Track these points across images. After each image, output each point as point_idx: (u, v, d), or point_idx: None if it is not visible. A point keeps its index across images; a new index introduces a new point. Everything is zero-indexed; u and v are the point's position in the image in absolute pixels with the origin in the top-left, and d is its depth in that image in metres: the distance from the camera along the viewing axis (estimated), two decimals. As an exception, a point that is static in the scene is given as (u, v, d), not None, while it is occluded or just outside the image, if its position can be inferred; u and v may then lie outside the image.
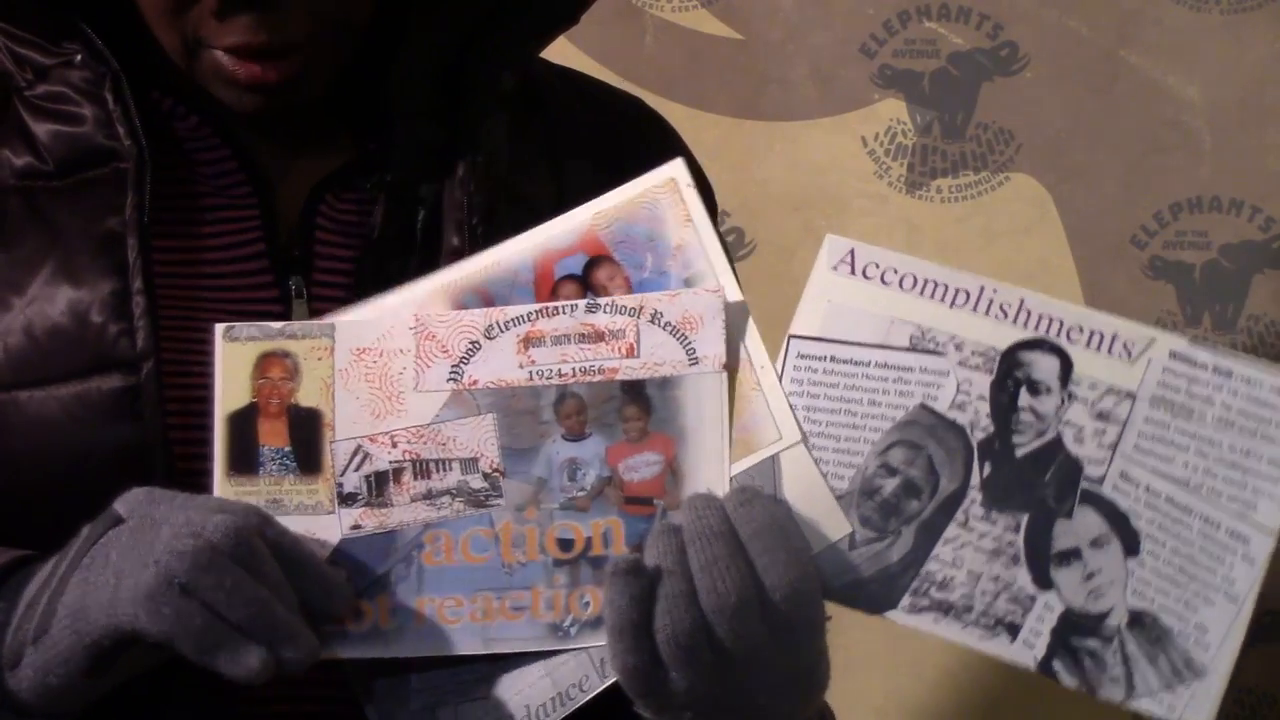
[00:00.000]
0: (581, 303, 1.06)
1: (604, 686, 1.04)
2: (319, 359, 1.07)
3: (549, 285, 1.09)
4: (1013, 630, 1.08)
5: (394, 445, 1.05)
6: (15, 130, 1.17)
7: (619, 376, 1.06)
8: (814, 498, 1.07)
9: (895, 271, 1.09)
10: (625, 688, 1.03)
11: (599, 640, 1.03)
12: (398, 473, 1.06)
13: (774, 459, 1.07)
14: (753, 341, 1.08)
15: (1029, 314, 1.09)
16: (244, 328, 1.06)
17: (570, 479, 1.05)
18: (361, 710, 1.09)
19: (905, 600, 1.08)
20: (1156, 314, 1.87)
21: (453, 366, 1.06)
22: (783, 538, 1.03)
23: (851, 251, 1.09)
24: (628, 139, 1.30)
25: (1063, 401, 1.09)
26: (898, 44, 1.90)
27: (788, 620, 1.02)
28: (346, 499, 1.05)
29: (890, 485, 1.08)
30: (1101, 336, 1.09)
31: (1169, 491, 1.08)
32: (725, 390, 1.06)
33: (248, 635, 0.99)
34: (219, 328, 1.06)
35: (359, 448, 1.06)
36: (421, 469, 1.06)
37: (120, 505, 1.03)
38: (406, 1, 1.20)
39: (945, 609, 1.09)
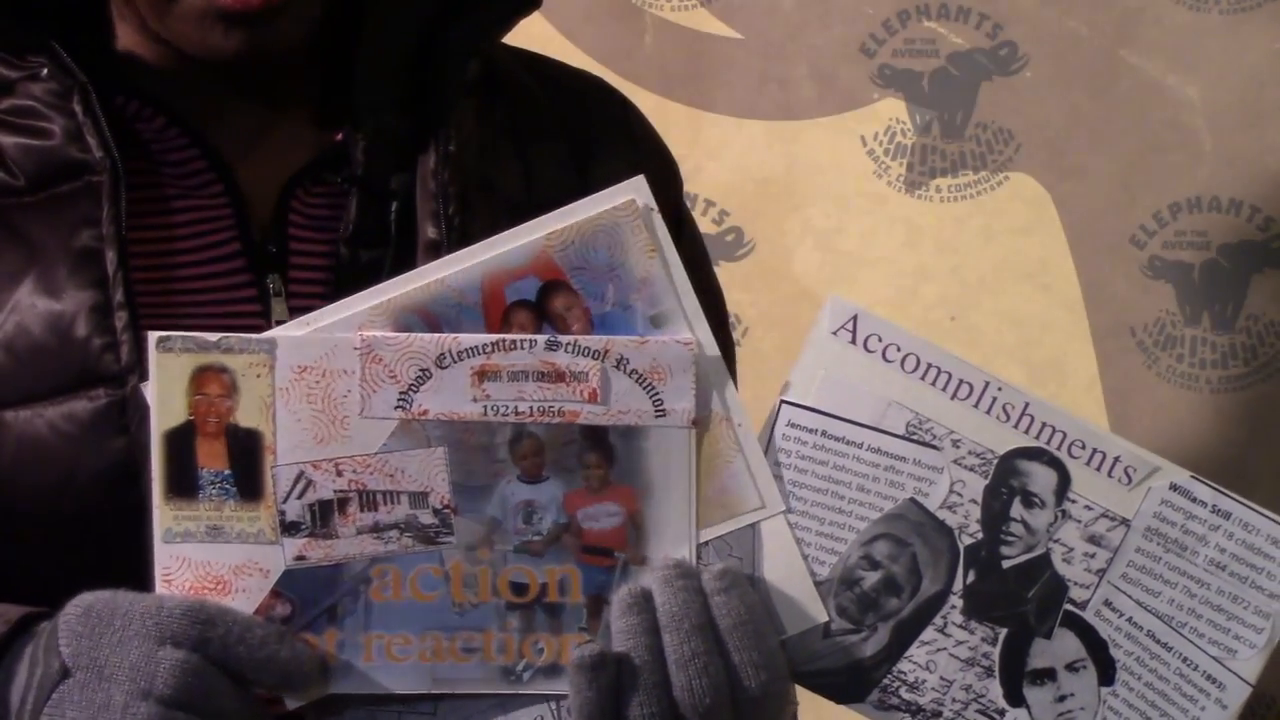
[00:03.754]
0: (542, 339, 1.02)
1: None
2: (258, 376, 1.02)
3: (500, 310, 1.04)
4: None
5: (339, 474, 1.02)
6: None
7: (580, 420, 1.03)
8: (793, 579, 1.05)
9: (898, 349, 1.07)
10: None
11: (553, 688, 1.02)
12: (343, 503, 1.02)
13: (754, 530, 1.05)
14: (730, 397, 1.05)
15: (1032, 420, 1.07)
16: (178, 338, 1.03)
17: (525, 522, 1.02)
18: None
19: (874, 695, 1.07)
20: (1155, 314, 1.86)
21: (401, 394, 1.02)
22: (759, 636, 1.02)
23: (854, 318, 1.07)
24: (590, 119, 1.30)
25: (1056, 518, 1.07)
26: (897, 44, 1.88)
27: (757, 715, 1.01)
28: (289, 528, 1.02)
29: (872, 579, 1.06)
30: (1104, 457, 1.07)
31: (1151, 626, 1.07)
32: (694, 447, 1.03)
33: None
34: (152, 337, 1.02)
35: (302, 474, 1.02)
36: (368, 500, 1.02)
37: (64, 645, 0.99)
38: None
39: (914, 711, 1.07)
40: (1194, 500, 1.07)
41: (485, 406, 1.02)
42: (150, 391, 1.03)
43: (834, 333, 1.07)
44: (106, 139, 1.12)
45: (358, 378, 1.02)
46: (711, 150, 1.82)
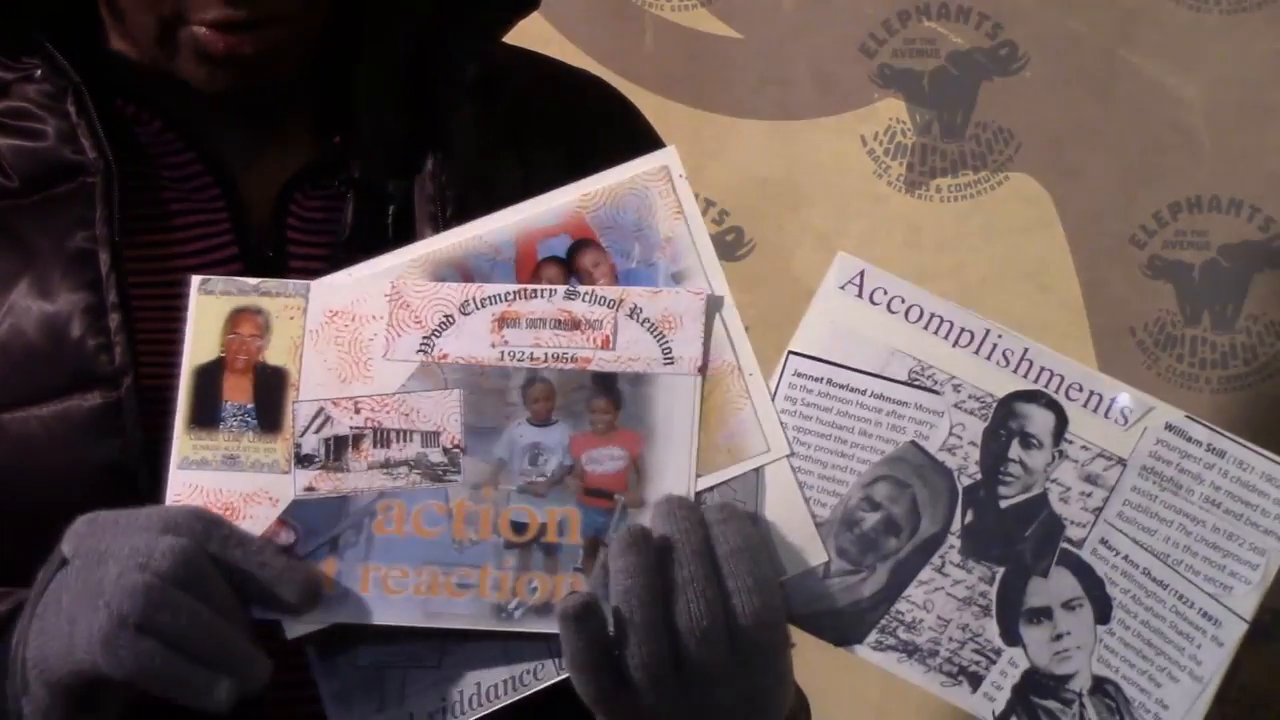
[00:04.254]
0: (561, 289, 1.05)
1: (558, 679, 1.03)
2: (290, 318, 1.05)
3: (531, 265, 1.07)
4: (975, 681, 1.08)
5: (357, 411, 1.04)
6: None
7: (591, 367, 1.05)
8: (794, 521, 1.06)
9: (902, 301, 1.09)
10: (592, 709, 1.03)
11: (543, 626, 1.03)
12: (357, 439, 1.04)
13: (758, 473, 1.06)
14: (742, 348, 1.07)
15: (1031, 364, 1.08)
16: (219, 281, 1.05)
17: (531, 464, 1.04)
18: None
19: (872, 636, 1.08)
20: (1156, 313, 1.86)
21: (424, 338, 1.05)
22: (754, 563, 1.03)
23: (861, 273, 1.09)
24: (592, 119, 1.30)
25: (1053, 458, 1.08)
26: (897, 43, 1.89)
27: (752, 644, 1.02)
28: (303, 460, 1.04)
29: (871, 520, 1.07)
30: (1100, 398, 1.08)
31: (1147, 564, 1.08)
32: (698, 394, 1.05)
33: (209, 666, 0.98)
34: (195, 279, 1.05)
35: (321, 410, 1.05)
36: (382, 437, 1.05)
37: (66, 544, 1.02)
38: None
39: (910, 651, 1.08)
40: (1189, 439, 1.07)
41: (503, 352, 1.04)
42: (187, 328, 1.05)
43: (841, 287, 1.08)
44: (100, 140, 1.12)
45: (385, 322, 1.04)
46: (711, 150, 1.83)
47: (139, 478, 1.09)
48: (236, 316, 1.06)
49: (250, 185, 1.18)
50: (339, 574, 1.03)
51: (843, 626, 1.07)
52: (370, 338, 1.05)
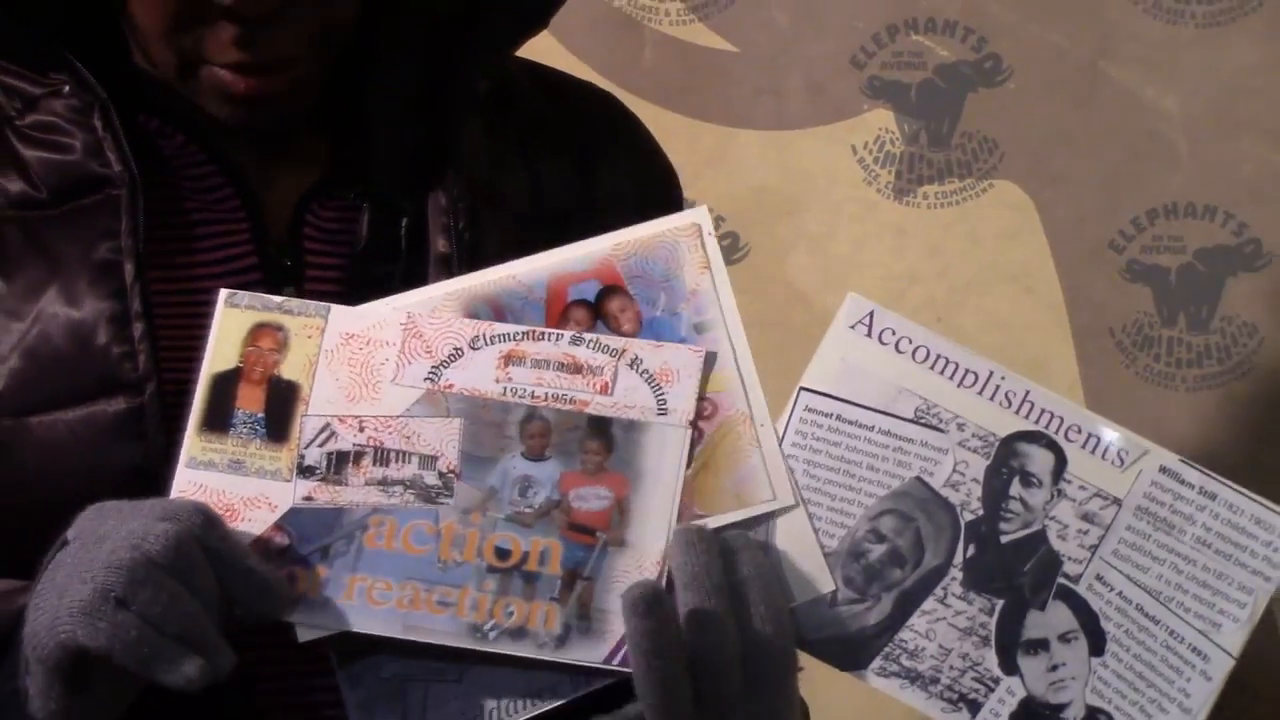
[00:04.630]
0: (567, 334, 1.06)
1: (574, 697, 1.04)
2: (308, 336, 1.06)
3: (560, 306, 1.08)
4: (974, 708, 1.08)
5: (361, 429, 1.05)
6: (8, 159, 1.16)
7: (588, 410, 1.05)
8: (803, 551, 1.07)
9: (910, 341, 1.09)
10: (649, 699, 1.01)
11: (515, 649, 1.03)
12: (358, 456, 1.05)
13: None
14: (755, 398, 1.07)
15: (1032, 406, 1.08)
16: (245, 296, 1.06)
17: (520, 495, 1.05)
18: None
19: (876, 663, 1.08)
20: (1134, 315, 1.88)
21: (433, 367, 1.05)
22: (769, 591, 1.04)
23: (871, 313, 1.09)
24: (593, 128, 1.30)
25: (1052, 497, 1.08)
26: (886, 56, 1.90)
27: (764, 671, 1.03)
28: (305, 471, 1.05)
29: (877, 551, 1.07)
30: (1098, 440, 1.08)
31: (1140, 600, 1.08)
32: (686, 445, 1.06)
33: (183, 645, 0.98)
34: (223, 292, 1.06)
35: (327, 425, 1.05)
36: (381, 456, 1.05)
37: (71, 529, 1.02)
38: (379, 13, 1.19)
39: (913, 677, 1.08)
40: (1182, 482, 1.08)
41: (506, 387, 1.05)
42: (210, 337, 1.06)
43: (851, 326, 1.09)
44: (125, 154, 1.13)
45: (397, 349, 1.05)
46: (708, 159, 1.84)
47: (161, 481, 1.09)
48: (258, 330, 1.07)
49: (269, 197, 1.19)
50: (326, 580, 1.04)
51: (849, 652, 1.08)
52: (381, 362, 1.06)
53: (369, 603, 1.03)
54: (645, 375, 1.05)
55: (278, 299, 1.07)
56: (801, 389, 1.08)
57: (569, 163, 1.26)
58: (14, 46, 1.15)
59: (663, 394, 1.05)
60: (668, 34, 1.91)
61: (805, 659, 1.06)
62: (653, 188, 1.30)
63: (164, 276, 1.15)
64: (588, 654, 1.03)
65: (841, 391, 1.09)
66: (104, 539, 1.00)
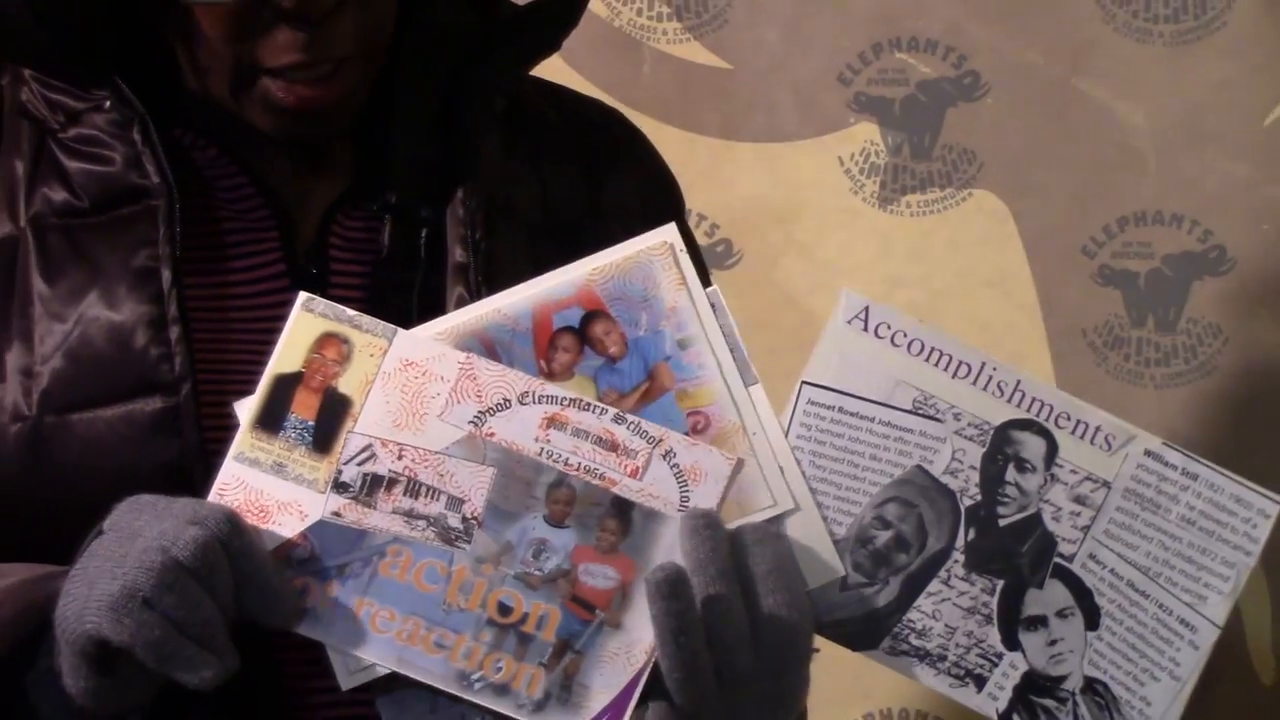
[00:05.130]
0: (612, 410, 1.05)
1: None
2: (370, 355, 1.05)
3: (547, 335, 1.08)
4: (980, 682, 1.09)
5: (399, 457, 1.04)
6: (52, 170, 1.17)
7: (615, 489, 1.04)
8: (814, 539, 1.07)
9: (904, 335, 1.09)
10: (675, 683, 1.02)
11: (496, 705, 1.02)
12: (392, 482, 1.04)
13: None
14: (746, 410, 1.07)
15: (1023, 395, 1.09)
16: (321, 303, 1.06)
17: (534, 556, 1.04)
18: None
19: (886, 642, 1.09)
20: (1105, 317, 1.88)
21: (479, 412, 1.05)
22: (789, 579, 1.04)
23: (866, 309, 1.09)
24: (601, 143, 1.30)
25: (1045, 481, 1.09)
26: (871, 73, 1.89)
27: (784, 653, 1.04)
28: (339, 486, 1.04)
29: (883, 537, 1.08)
30: (1086, 426, 1.09)
31: (1131, 576, 1.09)
32: None
33: (201, 647, 0.98)
34: (301, 296, 1.06)
35: (370, 446, 1.05)
36: (413, 488, 1.04)
37: (107, 520, 1.03)
38: (404, 36, 1.20)
39: (921, 655, 1.09)
40: (1166, 464, 1.09)
41: (544, 448, 1.04)
42: (281, 338, 1.05)
43: (848, 321, 1.09)
44: (163, 166, 1.13)
45: (450, 385, 1.04)
46: (704, 170, 1.83)
47: (195, 477, 1.09)
48: (325, 339, 1.06)
49: (297, 208, 1.19)
50: (337, 598, 1.03)
51: (859, 634, 1.09)
52: (433, 395, 1.04)
53: (371, 629, 1.02)
54: (675, 469, 1.04)
55: (351, 312, 1.06)
56: (803, 383, 1.08)
57: (578, 175, 1.26)
58: (58, 64, 1.16)
59: (688, 491, 1.04)
60: (666, 52, 1.90)
61: (818, 640, 1.07)
62: (657, 199, 1.30)
63: (198, 282, 1.15)
64: None
65: (841, 384, 1.09)
66: (136, 535, 1.00)
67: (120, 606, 0.97)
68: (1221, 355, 1.88)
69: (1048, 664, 1.09)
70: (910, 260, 1.90)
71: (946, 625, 1.08)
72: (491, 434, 1.04)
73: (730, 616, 1.02)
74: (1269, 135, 1.85)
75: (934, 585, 1.08)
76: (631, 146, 1.32)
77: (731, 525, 1.05)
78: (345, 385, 1.05)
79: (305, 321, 1.05)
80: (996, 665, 1.09)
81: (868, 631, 1.08)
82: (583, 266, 1.08)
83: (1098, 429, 1.09)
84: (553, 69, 1.33)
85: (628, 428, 1.04)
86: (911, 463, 1.08)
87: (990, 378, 1.09)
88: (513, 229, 1.20)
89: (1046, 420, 1.09)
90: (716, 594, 1.01)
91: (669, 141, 1.37)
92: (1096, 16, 1.86)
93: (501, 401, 1.04)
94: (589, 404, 1.04)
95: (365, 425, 1.04)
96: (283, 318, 1.14)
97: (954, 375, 1.09)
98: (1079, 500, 1.09)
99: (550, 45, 1.24)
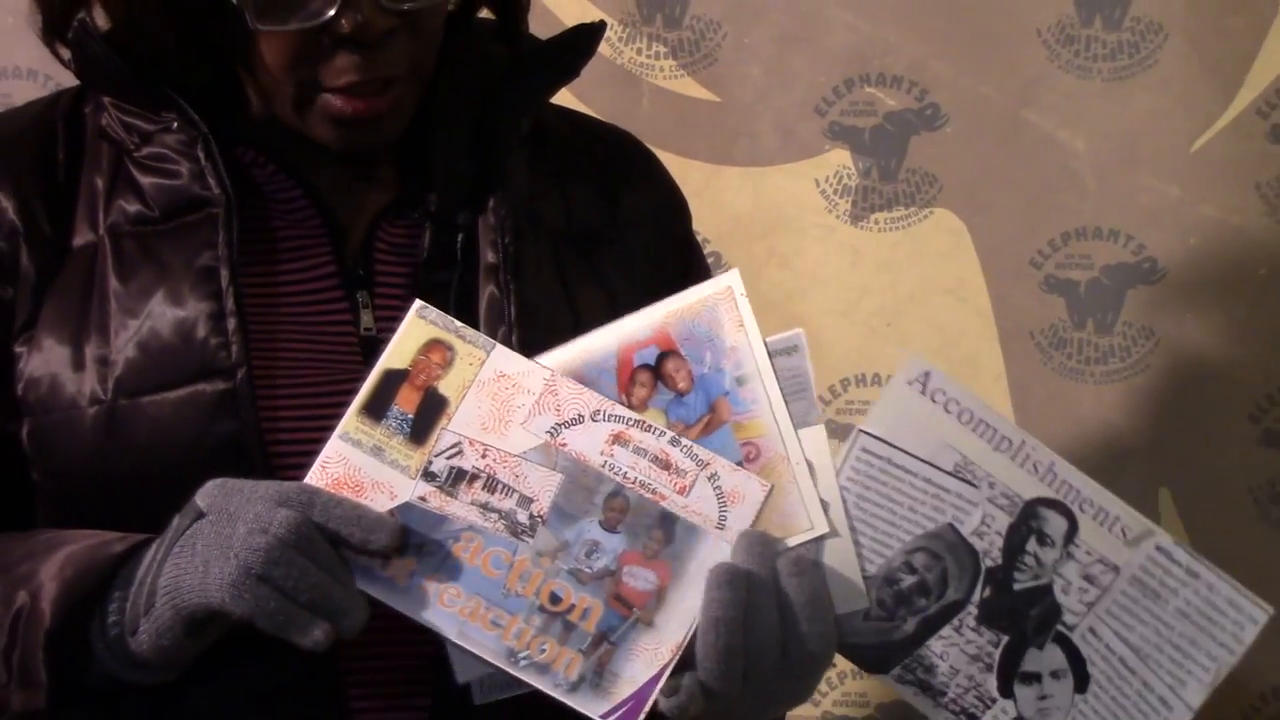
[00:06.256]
0: (669, 433, 1.06)
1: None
2: (470, 364, 1.07)
3: (628, 371, 1.09)
4: (972, 719, 1.10)
5: (483, 456, 1.06)
6: (127, 184, 1.18)
7: (664, 504, 1.06)
8: (847, 571, 1.08)
9: (957, 404, 1.10)
10: (714, 668, 1.04)
11: (536, 681, 1.05)
12: (473, 477, 1.06)
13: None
14: (791, 443, 1.07)
15: (1055, 476, 1.10)
16: (434, 312, 1.08)
17: (586, 555, 1.06)
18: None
19: (897, 670, 1.10)
20: (1050, 320, 1.90)
21: (556, 424, 1.07)
22: (822, 610, 1.06)
23: (927, 375, 1.10)
24: (617, 162, 1.31)
25: (1061, 557, 1.10)
26: (844, 105, 1.91)
27: (809, 667, 1.07)
28: (428, 475, 1.06)
29: (908, 581, 1.09)
30: (1107, 515, 1.10)
31: (1123, 653, 1.10)
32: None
33: (312, 612, 1.00)
34: (416, 303, 1.08)
35: (459, 443, 1.07)
36: (490, 484, 1.06)
37: (200, 499, 1.04)
38: (442, 65, 1.20)
39: (925, 688, 1.10)
40: (1173, 561, 1.10)
41: (607, 462, 1.06)
42: (394, 338, 1.07)
43: (908, 383, 1.10)
44: (223, 179, 1.14)
45: (534, 398, 1.07)
46: (696, 190, 1.72)
47: (251, 451, 1.12)
48: (432, 344, 1.07)
49: (346, 216, 1.21)
50: (413, 572, 1.05)
51: (874, 659, 1.10)
52: (518, 405, 1.06)
53: (439, 602, 1.05)
54: (718, 491, 1.06)
55: (459, 324, 1.08)
56: (860, 431, 1.09)
57: (596, 189, 1.28)
58: (134, 91, 1.18)
59: (725, 512, 1.06)
60: (662, 87, 1.93)
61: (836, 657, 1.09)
62: (666, 211, 1.32)
63: (253, 280, 1.17)
64: (591, 706, 1.04)
65: (893, 438, 1.09)
66: (234, 518, 1.02)
67: (240, 583, 1.00)
68: (1153, 355, 1.90)
69: (1035, 715, 1.10)
70: (878, 270, 1.92)
71: (952, 666, 1.09)
72: (564, 444, 1.06)
73: (767, 629, 1.04)
74: (1195, 160, 1.87)
75: (946, 630, 1.09)
76: (644, 165, 1.34)
77: (791, 540, 1.07)
78: (445, 387, 1.07)
79: (417, 326, 1.08)
80: (989, 708, 1.10)
81: (881, 658, 1.10)
82: (659, 310, 1.09)
83: (1117, 519, 1.10)
84: (564, 101, 1.38)
85: (681, 450, 1.06)
86: (944, 519, 1.09)
87: (1028, 456, 1.09)
88: (538, 235, 1.21)
89: (1072, 503, 1.10)
90: (760, 605, 1.04)
91: (665, 165, 1.40)
92: (1043, 56, 1.88)
93: (576, 416, 1.07)
94: (650, 425, 1.06)
95: (457, 424, 1.07)
96: (333, 313, 1.18)
97: (995, 448, 1.09)
98: (1089, 579, 1.10)
99: (569, 73, 1.26)
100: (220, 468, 1.09)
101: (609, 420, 1.06)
